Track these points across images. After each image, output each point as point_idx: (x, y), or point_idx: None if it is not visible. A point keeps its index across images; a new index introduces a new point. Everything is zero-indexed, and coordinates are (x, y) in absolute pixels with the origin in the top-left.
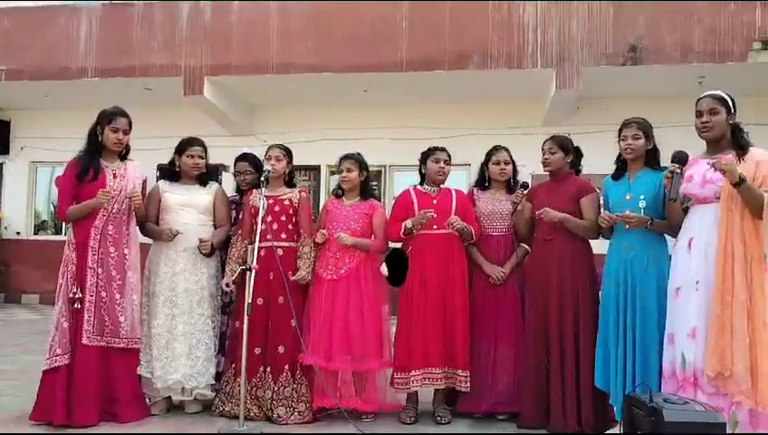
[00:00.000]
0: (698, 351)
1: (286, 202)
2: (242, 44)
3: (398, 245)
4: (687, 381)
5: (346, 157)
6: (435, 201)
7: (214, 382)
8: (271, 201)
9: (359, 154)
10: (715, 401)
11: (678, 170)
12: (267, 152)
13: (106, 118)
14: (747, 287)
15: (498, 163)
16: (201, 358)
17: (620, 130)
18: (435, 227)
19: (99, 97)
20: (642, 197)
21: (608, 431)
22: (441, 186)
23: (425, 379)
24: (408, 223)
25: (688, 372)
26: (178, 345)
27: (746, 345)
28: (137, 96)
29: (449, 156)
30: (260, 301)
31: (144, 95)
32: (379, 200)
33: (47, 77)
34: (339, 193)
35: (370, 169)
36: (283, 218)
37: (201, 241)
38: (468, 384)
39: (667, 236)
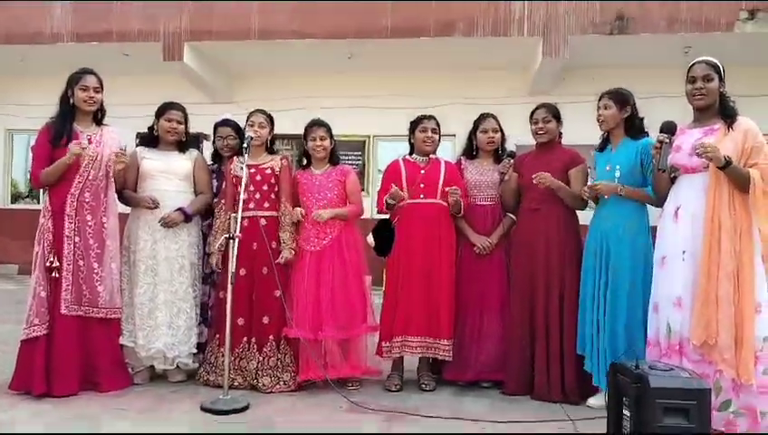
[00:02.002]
0: (684, 320)
1: (268, 171)
2: (223, 9)
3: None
4: (672, 348)
5: (317, 124)
6: (423, 171)
7: (195, 351)
8: (252, 170)
9: (323, 120)
10: (700, 369)
11: (667, 140)
12: (249, 118)
13: (74, 79)
14: (735, 258)
15: (486, 132)
16: (182, 327)
17: (597, 103)
18: (422, 196)
19: (75, 63)
20: (618, 166)
21: (591, 399)
22: (431, 156)
23: (404, 346)
24: (387, 199)
25: (673, 340)
26: (160, 314)
27: (731, 316)
28: (114, 62)
29: (438, 125)
30: (243, 271)
31: (122, 61)
32: (363, 172)
33: (21, 41)
34: (305, 164)
35: (355, 139)
36: (266, 187)
37: (166, 216)
38: (450, 354)
39: (650, 208)
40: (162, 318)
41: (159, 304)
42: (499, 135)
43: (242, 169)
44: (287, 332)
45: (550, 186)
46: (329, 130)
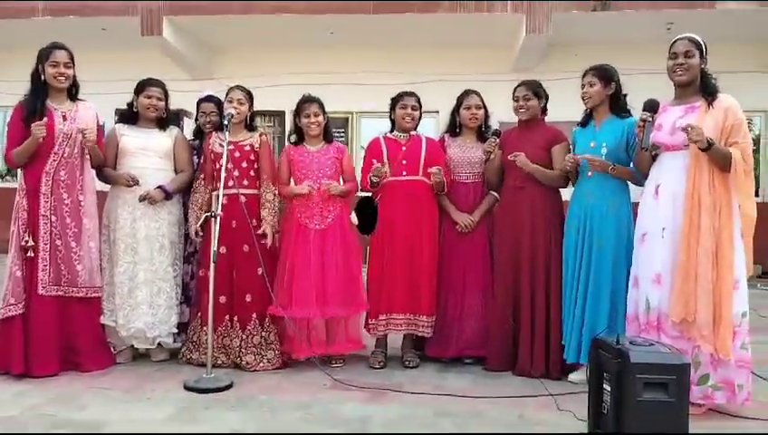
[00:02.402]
0: (663, 296)
1: (247, 148)
2: None
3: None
4: (651, 324)
5: (310, 100)
6: (404, 148)
7: (176, 331)
8: (231, 147)
9: (315, 96)
10: (679, 344)
11: (650, 119)
12: (228, 94)
13: (44, 54)
14: (714, 235)
15: (469, 108)
16: (162, 306)
17: (581, 80)
18: (404, 173)
19: (50, 38)
20: (604, 144)
21: (572, 375)
22: (411, 132)
23: (389, 324)
24: (372, 177)
25: (652, 316)
26: (140, 293)
27: (710, 292)
28: (92, 37)
29: (419, 101)
30: (223, 249)
31: (99, 36)
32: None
33: None
34: (297, 140)
35: (338, 115)
36: (245, 165)
37: (145, 194)
38: (431, 330)
39: (630, 186)
40: (142, 297)
41: (139, 284)
42: (482, 112)
43: (221, 145)
44: (273, 310)
45: (522, 167)
46: (321, 105)
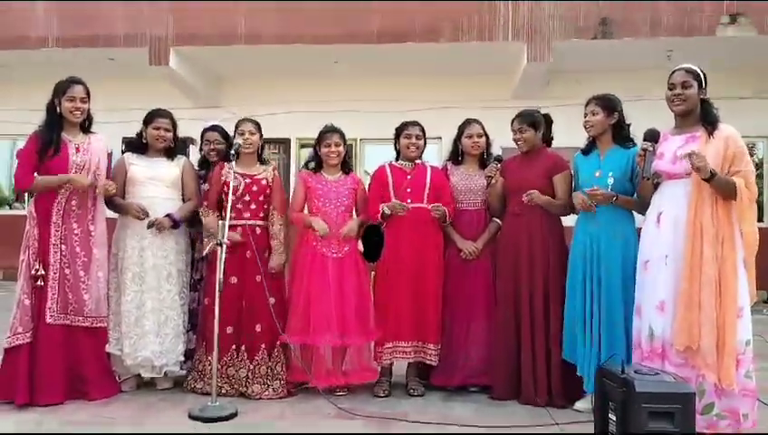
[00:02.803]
0: (666, 324)
1: (263, 182)
2: (208, 14)
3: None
4: (654, 352)
5: (332, 130)
6: (409, 177)
7: (182, 359)
8: (248, 180)
9: (337, 126)
10: (682, 372)
11: (651, 148)
12: (239, 127)
13: (61, 89)
14: (717, 263)
15: (471, 136)
16: (170, 335)
17: (584, 109)
18: (409, 201)
19: (60, 68)
20: (611, 174)
21: (578, 403)
22: (417, 161)
23: (395, 352)
24: (386, 209)
25: (656, 344)
26: (147, 322)
27: (713, 320)
28: (100, 67)
29: (423, 130)
30: (234, 279)
31: (108, 66)
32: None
33: (5, 46)
34: (314, 167)
35: None
36: (261, 198)
37: (153, 220)
38: (437, 358)
39: (635, 214)
40: (150, 326)
41: (147, 312)
42: (484, 139)
43: (236, 178)
44: (283, 339)
45: (537, 202)
46: (342, 136)
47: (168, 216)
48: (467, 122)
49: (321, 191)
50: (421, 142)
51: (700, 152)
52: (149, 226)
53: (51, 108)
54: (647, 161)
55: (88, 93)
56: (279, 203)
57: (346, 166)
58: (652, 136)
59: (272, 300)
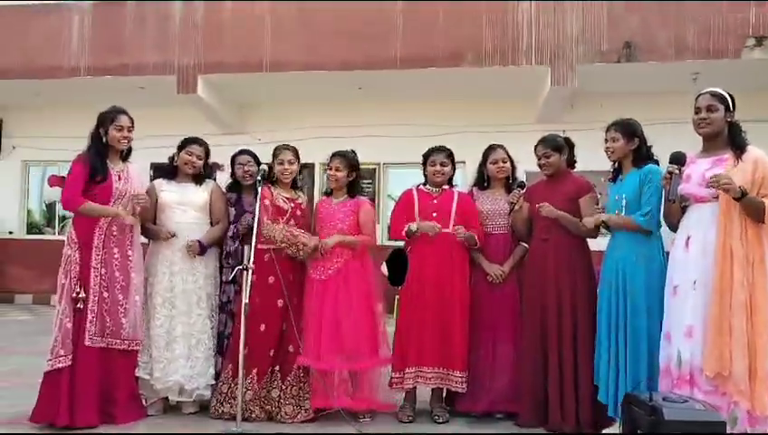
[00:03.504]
0: (695, 349)
1: (304, 206)
2: (235, 42)
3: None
4: (683, 378)
5: (336, 154)
6: (435, 201)
7: (213, 382)
8: (292, 205)
9: (351, 152)
10: (712, 399)
11: (677, 171)
12: (279, 155)
13: (109, 118)
14: (747, 288)
15: (496, 162)
16: (200, 358)
17: (605, 134)
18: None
19: (91, 96)
20: (624, 195)
21: (605, 430)
22: (444, 186)
23: (417, 377)
24: (414, 226)
25: (684, 370)
26: (177, 347)
27: (745, 345)
28: (130, 95)
29: (450, 156)
30: (280, 302)
31: (137, 94)
32: (373, 199)
33: (38, 76)
34: (329, 191)
35: (365, 166)
36: (302, 223)
37: (188, 243)
38: (465, 385)
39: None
40: (180, 350)
41: (177, 337)
42: (509, 164)
43: (284, 201)
44: (299, 360)
45: (548, 215)
46: (347, 161)
47: (197, 241)
48: (491, 148)
49: (323, 214)
50: (447, 169)
51: (727, 175)
52: (188, 248)
53: (96, 136)
54: (672, 184)
55: (132, 123)
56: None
57: (352, 190)
58: (678, 159)
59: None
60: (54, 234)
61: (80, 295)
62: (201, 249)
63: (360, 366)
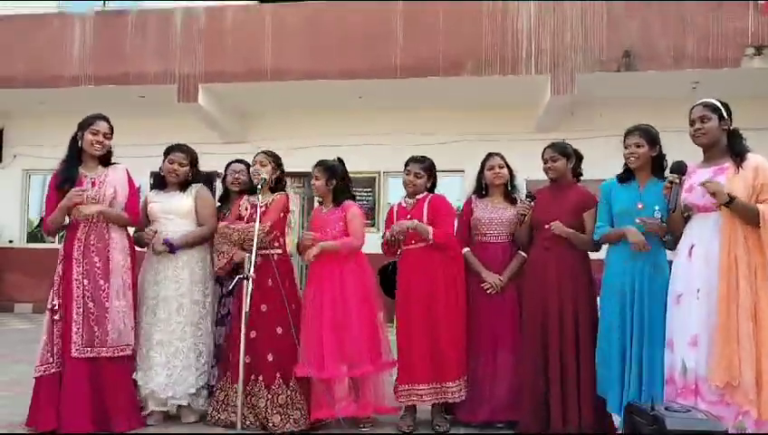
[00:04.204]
0: (700, 358)
1: (261, 208)
2: (236, 51)
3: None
4: (687, 388)
5: (316, 164)
6: (409, 216)
7: (193, 391)
8: (252, 209)
9: (333, 161)
10: (717, 410)
11: (677, 181)
12: (254, 158)
13: (87, 122)
14: (752, 295)
15: (492, 168)
16: (179, 367)
17: (624, 138)
18: (413, 242)
19: (92, 105)
20: (657, 208)
21: None
22: (417, 196)
23: (410, 395)
24: (387, 234)
25: (689, 380)
26: (154, 354)
27: (753, 354)
28: (130, 104)
29: (428, 167)
30: (264, 307)
31: (138, 103)
32: (373, 207)
33: (40, 85)
34: (320, 200)
35: (365, 175)
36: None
37: (156, 239)
38: (462, 394)
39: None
40: (157, 358)
41: (154, 345)
42: (506, 170)
43: (246, 209)
44: (297, 371)
45: (560, 234)
46: (326, 169)
47: (165, 242)
48: (488, 156)
49: (314, 223)
50: (420, 181)
51: (728, 185)
52: (154, 245)
53: (73, 142)
54: (672, 194)
55: (111, 131)
56: (266, 216)
57: (337, 198)
58: (679, 169)
59: (279, 329)
60: (54, 243)
61: (54, 307)
62: (170, 248)
63: (363, 372)
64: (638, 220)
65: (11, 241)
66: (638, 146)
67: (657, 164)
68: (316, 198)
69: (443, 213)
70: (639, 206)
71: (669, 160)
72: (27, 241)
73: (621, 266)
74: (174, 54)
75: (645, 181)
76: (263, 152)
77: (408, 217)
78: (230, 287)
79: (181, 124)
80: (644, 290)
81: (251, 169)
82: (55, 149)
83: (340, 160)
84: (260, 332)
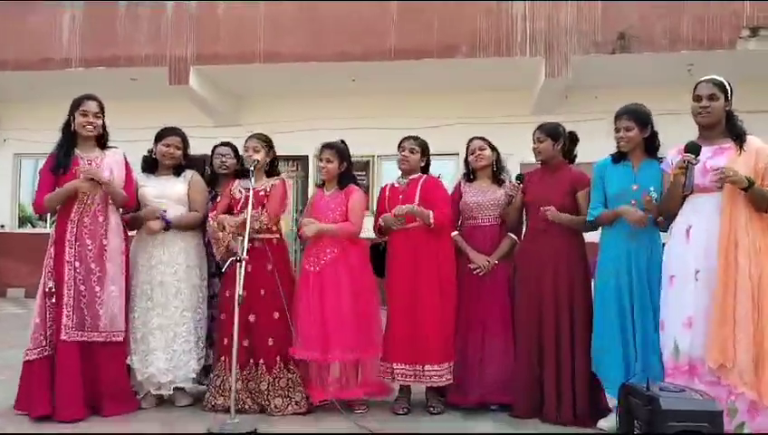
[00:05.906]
0: (695, 340)
1: (261, 193)
2: (228, 33)
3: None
4: (679, 369)
5: (326, 146)
6: (401, 196)
7: (194, 375)
8: (246, 193)
9: (341, 142)
10: (714, 391)
11: (694, 161)
12: (246, 143)
13: (75, 104)
14: (753, 277)
15: (473, 152)
16: (178, 351)
17: (614, 121)
18: (407, 223)
19: (83, 88)
20: (653, 188)
21: (601, 421)
22: (411, 176)
23: (394, 373)
24: (381, 221)
25: (681, 361)
26: (153, 339)
27: (750, 336)
28: (122, 87)
29: (421, 144)
30: (262, 292)
31: (129, 86)
32: (367, 191)
33: (30, 68)
34: (321, 183)
35: (359, 159)
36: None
37: (151, 213)
38: (444, 378)
39: None
40: (156, 343)
41: (153, 329)
42: (488, 152)
43: (240, 192)
44: (293, 352)
45: (555, 220)
46: (339, 152)
47: (159, 217)
48: (470, 140)
49: (316, 206)
50: (414, 156)
51: (729, 166)
52: (148, 232)
53: (66, 125)
54: (688, 175)
55: (102, 109)
56: (271, 208)
57: (342, 181)
58: (694, 148)
59: (276, 314)
60: (46, 227)
61: (51, 290)
62: (165, 224)
63: (363, 355)
64: (633, 202)
65: (2, 226)
66: (628, 129)
67: (650, 144)
68: (312, 181)
69: (439, 195)
70: (634, 187)
71: (662, 142)
72: (19, 226)
73: (618, 247)
74: (165, 36)
75: (639, 162)
76: (255, 137)
77: (401, 197)
78: (223, 269)
79: (173, 107)
80: (642, 271)
81: (244, 156)
82: (46, 133)
83: (343, 142)
84: (259, 316)
